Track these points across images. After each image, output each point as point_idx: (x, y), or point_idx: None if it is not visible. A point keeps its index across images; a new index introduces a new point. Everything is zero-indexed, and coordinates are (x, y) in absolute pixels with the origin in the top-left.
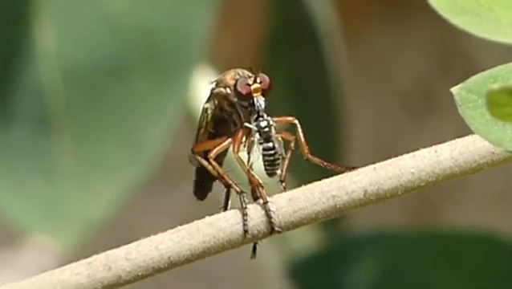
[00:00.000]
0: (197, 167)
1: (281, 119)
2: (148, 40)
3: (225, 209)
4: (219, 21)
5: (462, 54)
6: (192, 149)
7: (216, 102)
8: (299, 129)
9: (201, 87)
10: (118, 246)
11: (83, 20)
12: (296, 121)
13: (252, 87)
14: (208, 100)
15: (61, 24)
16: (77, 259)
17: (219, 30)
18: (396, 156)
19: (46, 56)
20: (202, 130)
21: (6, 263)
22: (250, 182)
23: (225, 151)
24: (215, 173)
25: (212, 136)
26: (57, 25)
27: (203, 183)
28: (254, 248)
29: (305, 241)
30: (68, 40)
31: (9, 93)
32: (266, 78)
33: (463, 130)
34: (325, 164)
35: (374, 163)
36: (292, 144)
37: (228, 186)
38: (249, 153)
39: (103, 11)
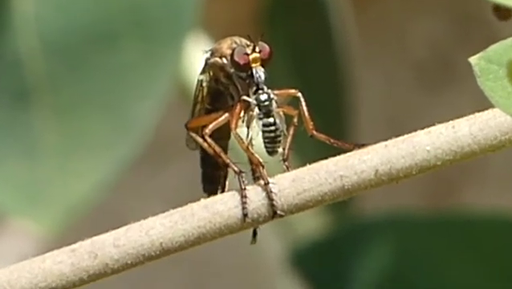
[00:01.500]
0: (201, 156)
1: (282, 92)
2: (136, 4)
3: (223, 190)
4: None
5: (482, 19)
6: (186, 125)
7: (211, 73)
8: (303, 103)
9: (195, 57)
10: (104, 231)
11: None
12: (299, 94)
13: (250, 57)
14: (202, 72)
15: None
16: (60, 246)
17: None
18: (409, 132)
19: (23, 21)
20: (198, 106)
21: None
22: (250, 161)
23: (229, 132)
24: (210, 151)
25: (209, 113)
26: None
27: (211, 174)
28: (255, 233)
29: (310, 225)
30: (48, 3)
31: None
32: (266, 46)
33: (483, 103)
34: (331, 141)
35: (385, 140)
36: (295, 120)
37: (225, 166)
38: (248, 129)
39: None
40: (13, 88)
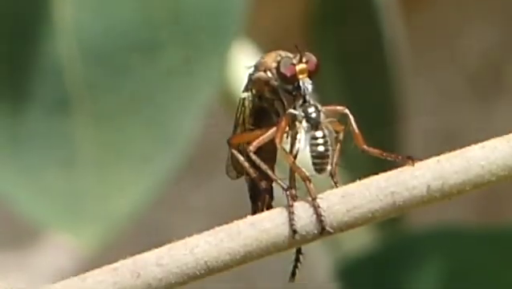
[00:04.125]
0: (249, 183)
1: (329, 108)
2: (178, 11)
3: (269, 207)
4: None
5: None
6: (228, 141)
7: (255, 91)
8: (352, 119)
9: (239, 66)
10: (146, 247)
11: None
12: (347, 111)
13: (297, 68)
14: (245, 89)
15: None
16: (100, 262)
17: (260, 1)
18: (463, 146)
19: (63, 29)
20: (239, 129)
21: (18, 265)
22: (290, 176)
23: (274, 151)
24: (251, 172)
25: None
26: None
27: (260, 202)
28: (294, 272)
29: (359, 240)
30: (88, 10)
31: (21, 71)
32: (313, 57)
33: None
34: (384, 154)
35: (438, 154)
36: (341, 135)
37: (272, 182)
38: (293, 144)
39: None
40: (51, 96)
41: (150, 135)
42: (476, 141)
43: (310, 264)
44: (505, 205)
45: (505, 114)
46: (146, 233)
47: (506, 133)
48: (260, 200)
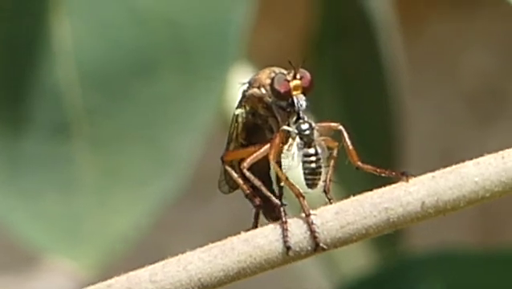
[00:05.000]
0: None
1: (324, 125)
2: (178, 34)
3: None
4: (259, 12)
5: None
6: (222, 158)
7: (248, 107)
8: (346, 136)
9: (239, 88)
10: (142, 266)
11: (104, 10)
12: (341, 127)
13: (291, 84)
14: (239, 105)
15: (78, 14)
16: (96, 280)
17: (259, 23)
18: (457, 162)
19: (62, 53)
20: (232, 144)
21: (20, 288)
22: (280, 192)
23: (268, 165)
24: (245, 189)
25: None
26: (74, 15)
27: (254, 219)
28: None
29: (357, 263)
30: (87, 34)
31: (20, 95)
32: (307, 74)
33: None
34: (378, 170)
35: (433, 171)
36: (335, 152)
37: (266, 199)
38: (287, 160)
39: (127, 1)
40: (50, 120)
41: (149, 158)
42: (471, 158)
43: (308, 286)
44: (502, 224)
45: (502, 136)
46: (145, 255)
47: (502, 150)
48: (255, 216)
